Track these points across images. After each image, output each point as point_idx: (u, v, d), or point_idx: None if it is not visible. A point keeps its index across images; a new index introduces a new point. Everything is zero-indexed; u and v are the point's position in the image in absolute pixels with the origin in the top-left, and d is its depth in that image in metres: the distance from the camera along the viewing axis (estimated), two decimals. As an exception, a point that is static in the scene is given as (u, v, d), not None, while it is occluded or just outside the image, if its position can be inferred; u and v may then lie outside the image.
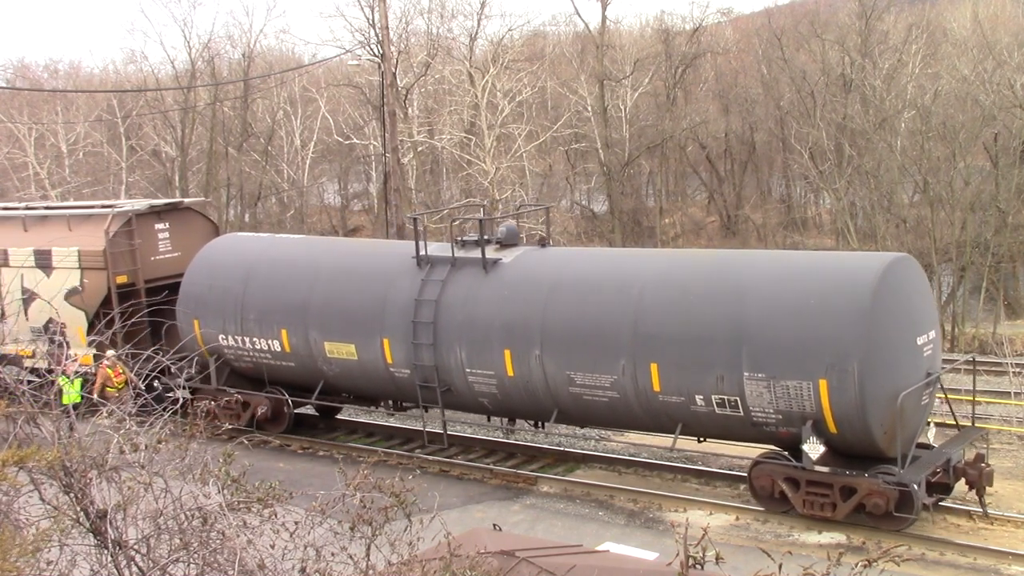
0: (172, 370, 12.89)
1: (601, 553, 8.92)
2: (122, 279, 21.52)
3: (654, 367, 15.26)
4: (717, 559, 6.64)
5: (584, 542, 10.94)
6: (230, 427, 18.54)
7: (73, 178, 51.51)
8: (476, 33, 48.46)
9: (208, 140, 52.93)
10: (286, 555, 7.23)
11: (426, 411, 18.76)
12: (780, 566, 6.45)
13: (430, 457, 19.24)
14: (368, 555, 7.36)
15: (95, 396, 9.10)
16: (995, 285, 36.74)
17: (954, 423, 16.08)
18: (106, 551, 6.91)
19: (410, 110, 48.22)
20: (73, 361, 18.16)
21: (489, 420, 19.08)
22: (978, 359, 19.97)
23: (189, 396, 18.72)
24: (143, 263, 21.87)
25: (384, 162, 38.89)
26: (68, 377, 18.44)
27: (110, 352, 18.33)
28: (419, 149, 47.25)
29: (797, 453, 14.72)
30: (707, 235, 54.48)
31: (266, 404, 20.01)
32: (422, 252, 18.04)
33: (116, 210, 22.15)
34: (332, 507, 7.53)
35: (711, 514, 15.82)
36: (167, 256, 22.52)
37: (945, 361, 17.90)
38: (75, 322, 21.52)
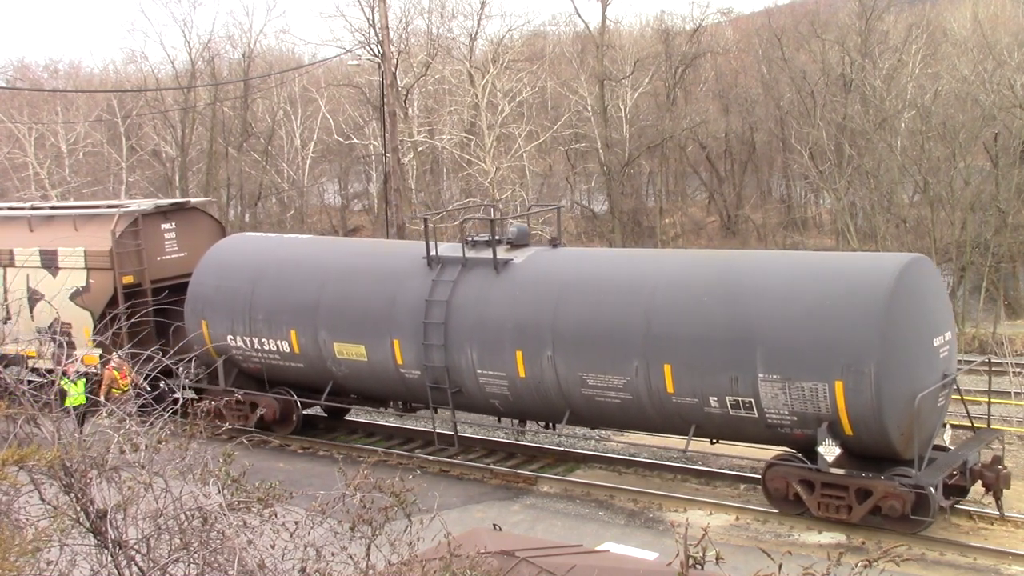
0: (175, 371, 12.93)
1: (601, 553, 8.92)
2: (128, 279, 21.43)
3: (667, 368, 15.17)
4: (717, 559, 6.64)
5: (584, 542, 10.94)
6: (238, 428, 18.65)
7: (73, 178, 51.52)
8: (476, 33, 48.54)
9: (208, 140, 52.93)
10: (286, 555, 7.23)
11: (435, 412, 18.67)
12: (780, 566, 6.45)
13: (430, 457, 19.23)
14: (368, 555, 7.36)
15: (102, 398, 9.10)
16: (995, 285, 36.72)
17: (969, 425, 16.01)
18: (106, 551, 6.91)
19: (410, 110, 48.24)
20: (73, 361, 18.13)
21: (499, 422, 19.01)
22: (980, 359, 19.91)
23: (190, 397, 18.68)
24: (149, 263, 21.79)
25: (384, 162, 38.89)
26: (70, 378, 18.44)
27: (116, 353, 18.30)
28: (419, 149, 47.27)
29: (811, 455, 14.61)
30: (707, 235, 54.46)
31: (274, 405, 19.95)
32: (432, 252, 17.94)
33: (122, 210, 22.06)
34: (332, 507, 7.52)
35: (711, 514, 15.82)
36: (173, 256, 22.45)
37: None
38: (81, 322, 21.48)
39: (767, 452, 16.06)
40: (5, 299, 21.98)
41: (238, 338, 19.91)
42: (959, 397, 15.63)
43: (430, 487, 10.75)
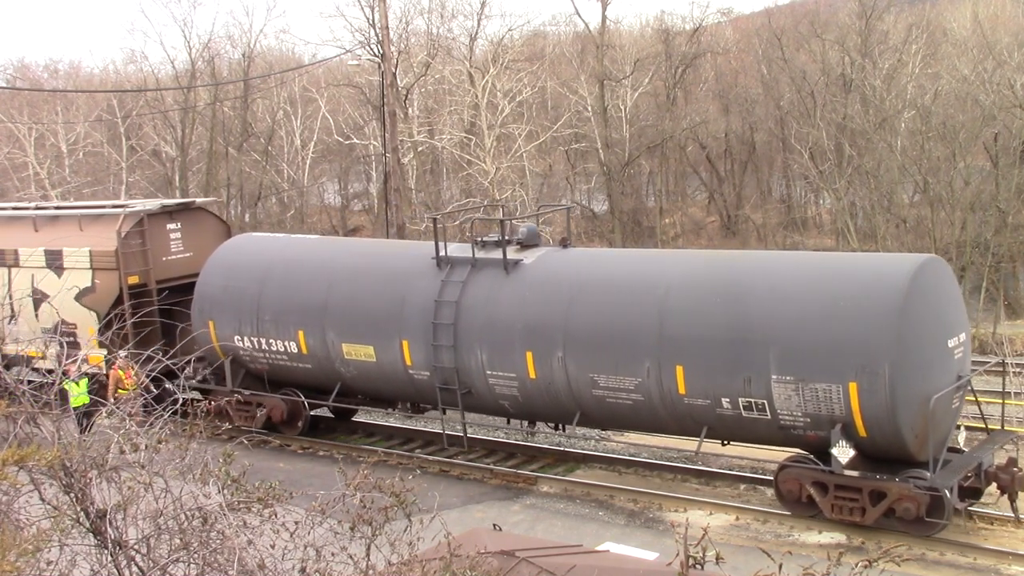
0: (178, 371, 12.90)
1: (601, 553, 8.92)
2: (134, 279, 21.38)
3: (679, 369, 15.10)
4: (717, 559, 6.64)
5: (584, 542, 10.94)
6: (244, 429, 18.66)
7: (73, 178, 51.53)
8: (476, 33, 48.52)
9: (208, 140, 52.92)
10: (286, 555, 7.23)
11: (444, 414, 18.59)
12: (780, 566, 6.45)
13: (430, 457, 19.24)
14: (368, 555, 7.36)
15: (110, 399, 9.09)
16: (995, 285, 36.69)
17: (983, 426, 15.92)
18: (106, 551, 6.91)
19: (410, 110, 48.24)
20: (72, 361, 18.11)
21: (509, 423, 18.97)
22: (994, 360, 19.76)
23: (190, 397, 18.65)
24: (155, 263, 21.74)
25: (384, 162, 38.90)
26: (72, 379, 18.43)
27: (121, 353, 18.28)
28: (419, 149, 47.26)
29: (824, 457, 14.53)
30: (707, 235, 54.44)
31: (282, 406, 19.89)
32: (442, 253, 17.88)
33: (128, 210, 22.00)
34: (332, 507, 7.52)
35: (711, 514, 15.82)
36: (179, 256, 22.39)
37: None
38: (86, 323, 21.42)
39: (769, 452, 16.06)
40: (10, 299, 21.91)
41: (245, 339, 19.84)
42: (973, 399, 15.54)
43: (430, 487, 10.75)
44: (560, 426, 17.99)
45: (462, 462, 18.76)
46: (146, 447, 7.36)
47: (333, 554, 7.32)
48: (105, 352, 19.91)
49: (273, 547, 7.19)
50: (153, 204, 23.43)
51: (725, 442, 16.03)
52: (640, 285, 15.94)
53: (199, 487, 7.22)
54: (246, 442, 9.17)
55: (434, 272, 17.87)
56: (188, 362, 16.79)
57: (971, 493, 14.90)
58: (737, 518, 15.71)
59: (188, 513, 7.08)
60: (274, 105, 54.95)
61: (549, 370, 16.41)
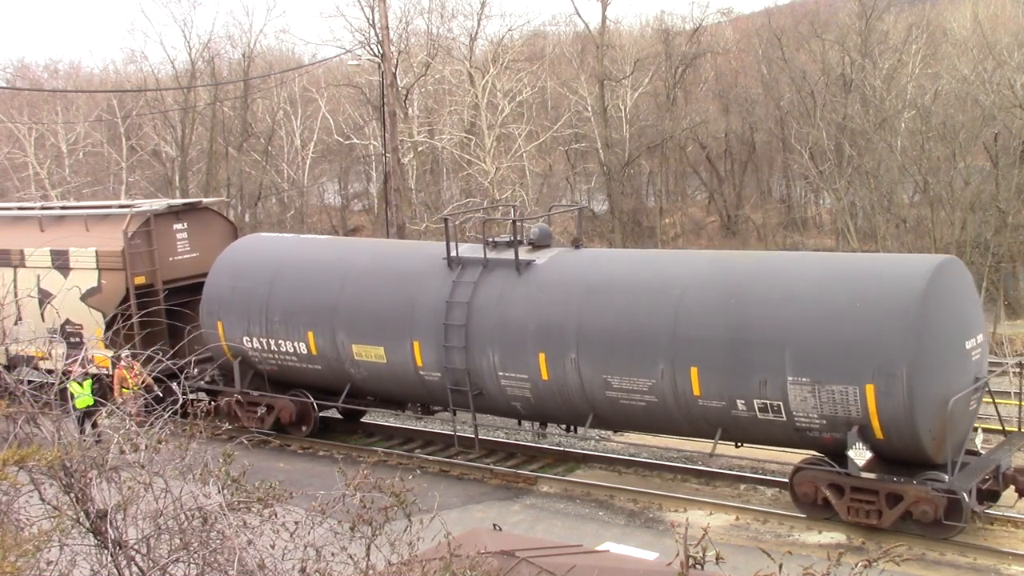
0: (181, 372, 12.85)
1: (601, 553, 8.92)
2: (140, 280, 21.27)
3: (694, 371, 14.98)
4: (717, 559, 6.64)
5: (584, 542, 10.94)
6: (253, 430, 18.66)
7: (73, 178, 51.55)
8: (476, 33, 48.54)
9: (208, 140, 52.95)
10: (286, 555, 7.23)
11: (455, 415, 18.49)
12: (780, 566, 6.45)
13: (430, 457, 19.24)
14: (368, 555, 7.36)
15: (118, 399, 9.08)
16: (995, 285, 36.69)
17: (1001, 428, 15.84)
18: (106, 551, 6.90)
19: (410, 110, 48.25)
20: (73, 361, 18.10)
21: (520, 424, 18.90)
22: (1013, 361, 19.61)
23: (192, 397, 18.65)
24: (161, 264, 21.64)
25: (384, 162, 38.90)
26: (76, 380, 18.42)
27: (124, 353, 18.27)
28: (419, 149, 47.27)
29: (839, 459, 14.42)
30: (707, 235, 54.46)
31: (291, 407, 19.83)
32: (453, 253, 17.78)
33: (134, 210, 21.88)
34: (332, 507, 7.52)
35: (711, 514, 15.82)
36: (185, 256, 22.32)
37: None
38: (92, 323, 21.37)
39: (770, 453, 16.05)
40: (16, 300, 21.86)
41: (254, 339, 19.74)
42: (990, 400, 15.46)
43: (430, 487, 10.76)
44: (572, 428, 17.82)
45: (462, 462, 18.75)
46: (146, 447, 7.36)
47: (333, 554, 7.32)
48: (111, 353, 19.89)
49: (273, 547, 7.19)
50: (160, 204, 23.31)
51: (739, 444, 15.89)
52: (654, 286, 15.80)
53: (199, 487, 7.22)
54: (246, 442, 9.16)
55: (445, 273, 17.76)
56: (189, 363, 16.76)
57: (989, 496, 14.77)
58: (737, 518, 15.71)
59: (188, 513, 7.08)
60: (274, 105, 54.96)
61: (562, 371, 16.29)
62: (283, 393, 20.06)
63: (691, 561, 6.74)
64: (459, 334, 17.16)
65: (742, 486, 17.06)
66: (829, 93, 44.37)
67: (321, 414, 20.53)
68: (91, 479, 7.06)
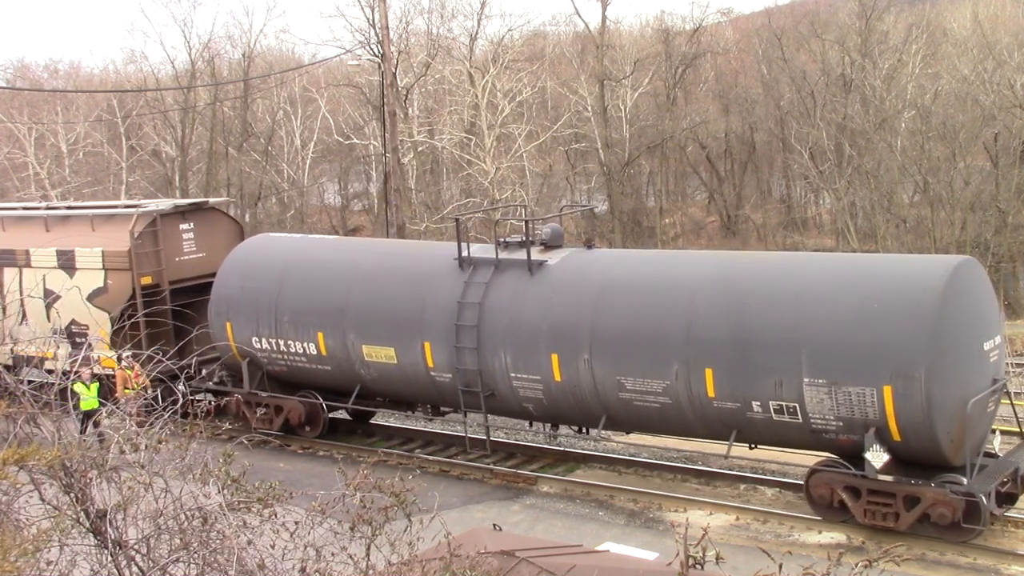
0: (182, 372, 12.84)
1: (601, 553, 8.92)
2: (147, 280, 21.19)
3: (709, 372, 14.84)
4: (717, 559, 6.64)
5: (584, 542, 10.94)
6: (263, 432, 18.64)
7: (73, 178, 51.57)
8: (476, 33, 48.59)
9: (208, 140, 52.98)
10: (286, 555, 7.23)
11: (466, 416, 18.32)
12: (780, 566, 6.45)
13: (430, 457, 19.23)
14: (368, 555, 7.36)
15: (121, 399, 9.07)
16: (995, 285, 36.70)
17: (1019, 430, 15.71)
18: (106, 551, 6.91)
19: (410, 110, 48.27)
20: (73, 361, 18.08)
21: (531, 426, 18.79)
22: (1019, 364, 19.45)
23: (192, 397, 18.63)
24: (167, 264, 21.56)
25: (384, 162, 38.91)
26: (84, 382, 18.41)
27: (125, 353, 18.24)
28: (419, 149, 47.29)
29: (855, 461, 14.27)
30: (707, 235, 54.49)
31: (300, 408, 19.74)
32: (464, 253, 17.66)
33: (141, 210, 21.80)
34: (332, 507, 7.52)
35: (711, 514, 15.81)
36: (191, 257, 22.23)
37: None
38: (98, 324, 21.30)
39: (770, 453, 16.04)
40: (21, 299, 21.82)
41: (263, 340, 19.60)
42: (1007, 402, 15.33)
43: (430, 487, 10.75)
44: (584, 429, 17.68)
45: (462, 462, 18.74)
46: (146, 447, 7.36)
47: (333, 554, 7.32)
48: (113, 353, 19.86)
49: (273, 547, 7.19)
50: (166, 204, 23.18)
51: (752, 446, 15.73)
52: (668, 286, 15.66)
53: (199, 487, 7.22)
54: (246, 442, 9.16)
55: (456, 273, 17.62)
56: (190, 363, 16.74)
57: (1006, 499, 14.62)
58: (737, 518, 15.70)
59: (188, 513, 7.08)
60: (274, 105, 54.99)
61: (575, 373, 16.15)
62: (291, 394, 19.98)
63: (691, 561, 6.74)
64: (471, 335, 17.02)
65: (742, 486, 17.06)
66: (829, 93, 44.40)
67: (328, 415, 20.45)
68: (91, 479, 7.06)
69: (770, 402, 14.45)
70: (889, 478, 14.04)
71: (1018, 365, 23.32)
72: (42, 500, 7.14)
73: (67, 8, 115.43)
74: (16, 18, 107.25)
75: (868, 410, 13.74)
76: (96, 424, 14.35)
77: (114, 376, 19.05)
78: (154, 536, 7.00)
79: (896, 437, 13.76)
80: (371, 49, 38.64)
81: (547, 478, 17.78)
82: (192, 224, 22.27)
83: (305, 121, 54.83)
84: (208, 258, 22.07)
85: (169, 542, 7.03)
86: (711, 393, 14.91)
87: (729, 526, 15.43)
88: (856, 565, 6.33)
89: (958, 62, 39.81)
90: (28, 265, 22.46)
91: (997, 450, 14.95)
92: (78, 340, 21.25)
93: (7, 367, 9.46)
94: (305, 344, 19.11)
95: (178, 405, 7.89)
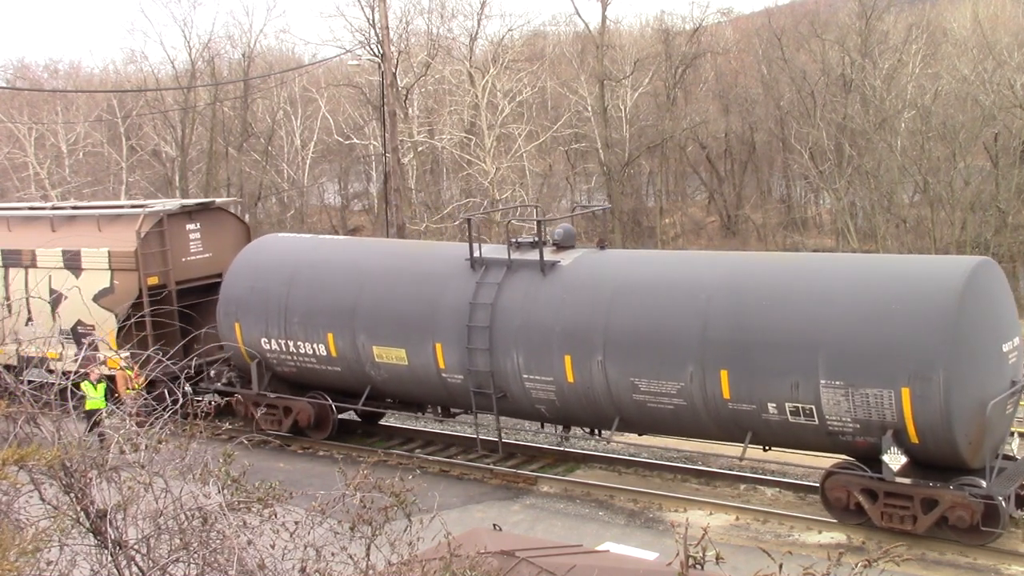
0: (182, 372, 12.77)
1: (601, 553, 8.92)
2: (153, 280, 21.11)
3: (724, 374, 14.75)
4: (717, 559, 6.64)
5: (584, 542, 10.94)
6: (273, 433, 18.64)
7: (73, 178, 51.56)
8: (476, 33, 48.58)
9: (208, 140, 52.97)
10: (286, 555, 7.23)
11: (476, 418, 18.20)
12: (780, 566, 6.45)
13: (430, 457, 19.24)
14: (368, 555, 7.36)
15: (126, 399, 9.07)
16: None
17: None
18: (106, 551, 6.91)
19: (410, 110, 48.27)
20: (83, 362, 18.07)
21: (543, 427, 18.75)
22: None
23: (198, 398, 18.64)
24: (174, 264, 21.50)
25: (384, 162, 38.91)
26: (92, 382, 18.41)
27: (124, 354, 18.22)
28: (419, 149, 47.28)
29: (871, 463, 14.22)
30: (707, 235, 54.49)
31: (309, 409, 19.69)
32: (476, 254, 17.59)
33: (147, 210, 21.72)
34: (332, 507, 7.52)
35: (711, 514, 15.81)
36: (198, 257, 22.17)
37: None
38: (104, 324, 21.28)
39: (772, 453, 16.03)
40: (27, 299, 21.77)
41: (272, 341, 19.53)
42: None
43: (430, 487, 10.75)
44: (596, 431, 17.63)
45: (462, 462, 18.75)
46: (146, 447, 7.36)
47: (333, 554, 7.31)
48: (113, 354, 19.84)
49: (273, 547, 7.18)
50: (173, 204, 23.12)
51: (767, 448, 15.65)
52: (683, 287, 15.57)
53: (199, 487, 7.22)
54: (246, 442, 9.15)
55: (468, 274, 17.54)
56: (189, 363, 16.73)
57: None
58: (737, 518, 15.71)
59: (188, 513, 7.08)
60: (274, 105, 54.99)
61: (588, 374, 16.07)
62: (300, 395, 19.93)
63: (691, 561, 6.74)
64: (483, 336, 16.94)
65: (742, 486, 17.06)
66: (829, 93, 44.40)
67: (339, 416, 20.33)
68: (91, 479, 7.06)
69: (786, 404, 14.36)
70: (907, 481, 13.95)
71: None
72: (42, 500, 7.13)
73: (67, 8, 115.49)
74: (16, 18, 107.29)
75: (886, 412, 13.64)
76: (96, 424, 14.36)
77: (115, 377, 19.05)
78: (154, 536, 7.00)
79: (914, 439, 13.66)
80: (371, 49, 38.64)
81: (547, 478, 17.78)
82: (199, 224, 22.21)
83: (305, 121, 54.83)
84: (215, 258, 22.04)
85: (169, 542, 7.03)
86: (726, 395, 14.82)
87: (729, 526, 15.43)
88: (856, 565, 6.33)
89: (958, 62, 39.82)
90: (34, 265, 22.42)
91: (1016, 453, 14.81)
92: (84, 341, 21.24)
93: (9, 367, 9.45)
94: (315, 345, 19.04)
95: (178, 405, 7.88)
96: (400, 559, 7.40)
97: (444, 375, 17.67)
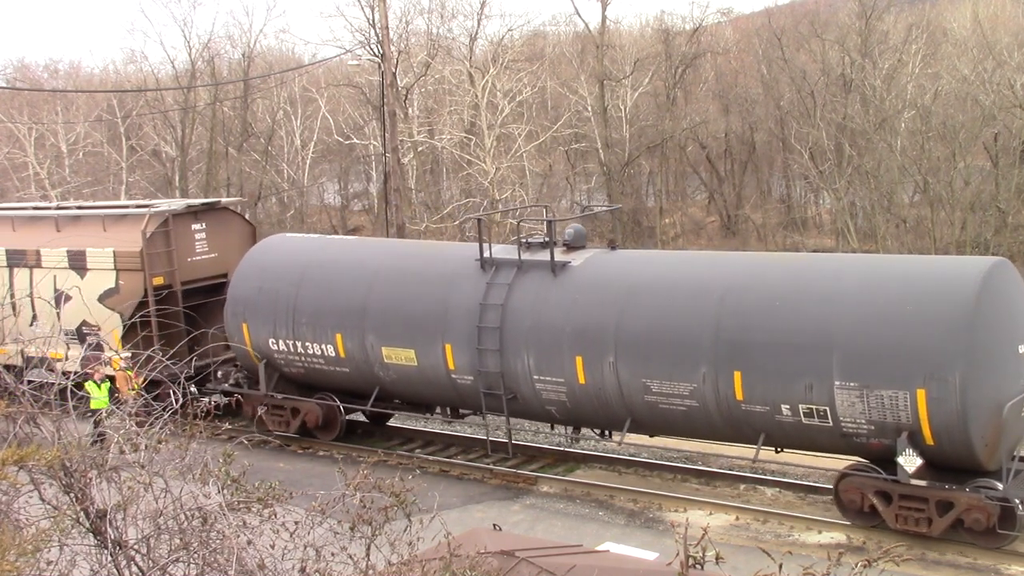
0: (212, 372, 12.70)
1: (601, 553, 8.92)
2: (159, 280, 21.11)
3: (737, 375, 14.69)
4: (717, 559, 6.64)
5: (584, 542, 10.95)
6: (280, 434, 18.61)
7: (73, 178, 51.55)
8: (476, 33, 48.55)
9: (208, 140, 52.94)
10: (286, 555, 7.23)
11: (486, 419, 18.16)
12: (780, 566, 6.45)
13: (430, 457, 19.24)
14: (368, 555, 7.36)
15: (128, 398, 9.07)
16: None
17: None
18: (106, 551, 6.91)
19: (410, 110, 48.26)
20: (88, 362, 18.06)
21: (552, 428, 18.67)
22: None
23: (192, 397, 18.60)
24: (180, 264, 21.50)
25: (384, 162, 38.90)
26: (96, 382, 18.40)
27: (125, 354, 18.22)
28: (419, 149, 47.27)
29: (885, 465, 14.16)
30: (707, 235, 54.44)
31: (317, 410, 19.64)
32: (486, 254, 17.54)
33: (153, 210, 21.71)
34: (332, 507, 7.52)
35: (711, 514, 15.81)
36: (204, 257, 22.15)
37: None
38: (110, 324, 21.24)
39: (772, 453, 16.03)
40: (31, 299, 21.75)
41: (280, 342, 19.47)
42: None
43: (430, 487, 10.75)
44: (607, 432, 17.59)
45: (462, 462, 18.75)
46: (146, 447, 7.36)
47: (333, 554, 7.32)
48: (113, 353, 19.83)
49: (273, 547, 7.19)
50: (178, 204, 23.09)
51: (779, 449, 15.58)
52: (695, 288, 15.52)
53: (199, 487, 7.22)
54: (246, 442, 9.15)
55: (478, 274, 17.50)
56: (191, 364, 16.70)
57: None
58: (737, 518, 15.71)
59: (188, 513, 7.08)
60: (274, 105, 54.96)
61: (599, 375, 16.01)
62: (308, 396, 19.88)
63: (691, 561, 6.74)
64: (493, 337, 16.88)
65: (742, 486, 17.06)
66: (829, 93, 44.37)
67: (347, 418, 20.28)
68: (91, 479, 7.06)
69: (800, 405, 14.30)
70: (922, 483, 13.87)
71: None
72: (42, 500, 7.13)
73: (67, 8, 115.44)
74: (16, 18, 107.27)
75: (901, 414, 13.59)
76: (97, 423, 14.37)
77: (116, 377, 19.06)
78: (154, 536, 7.00)
79: (929, 441, 13.60)
80: (371, 49, 38.64)
81: (547, 478, 17.78)
82: (204, 224, 22.18)
83: (305, 121, 54.80)
84: (220, 258, 22.02)
85: (169, 542, 7.03)
86: (739, 396, 14.76)
87: (729, 526, 15.43)
88: (856, 565, 6.33)
89: (958, 62, 39.79)
90: (39, 265, 22.38)
91: None
92: (86, 341, 21.21)
93: (11, 367, 9.45)
94: (323, 346, 18.99)
95: (177, 405, 7.88)
96: (400, 559, 7.40)
97: (454, 376, 17.62)
